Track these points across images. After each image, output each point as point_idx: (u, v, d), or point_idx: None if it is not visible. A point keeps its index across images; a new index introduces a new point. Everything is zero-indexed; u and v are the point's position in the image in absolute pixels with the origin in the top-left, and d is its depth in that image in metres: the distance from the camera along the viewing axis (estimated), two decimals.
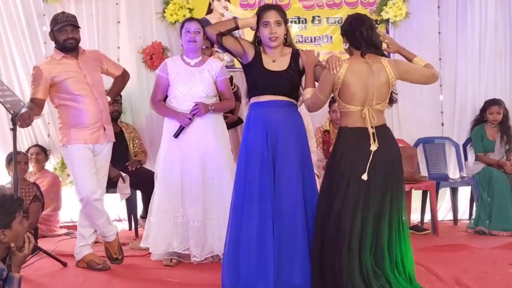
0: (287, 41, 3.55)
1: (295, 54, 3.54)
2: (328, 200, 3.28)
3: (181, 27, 4.35)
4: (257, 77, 3.48)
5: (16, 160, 4.12)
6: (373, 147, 3.21)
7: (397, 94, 3.44)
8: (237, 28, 3.56)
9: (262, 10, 3.50)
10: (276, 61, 3.50)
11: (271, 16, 3.44)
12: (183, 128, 4.19)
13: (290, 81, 3.49)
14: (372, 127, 3.23)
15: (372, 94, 3.24)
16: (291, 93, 3.52)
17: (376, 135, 3.23)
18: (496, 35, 6.04)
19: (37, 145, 5.69)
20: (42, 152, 5.63)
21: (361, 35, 3.30)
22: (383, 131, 3.31)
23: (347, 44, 3.40)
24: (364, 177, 3.19)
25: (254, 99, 3.53)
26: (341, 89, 3.28)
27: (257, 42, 3.54)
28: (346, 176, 3.24)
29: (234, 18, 3.64)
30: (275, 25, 3.44)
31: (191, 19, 4.51)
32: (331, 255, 3.23)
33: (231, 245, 3.45)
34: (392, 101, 3.41)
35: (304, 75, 3.53)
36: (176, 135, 4.19)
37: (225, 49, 3.58)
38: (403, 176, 3.39)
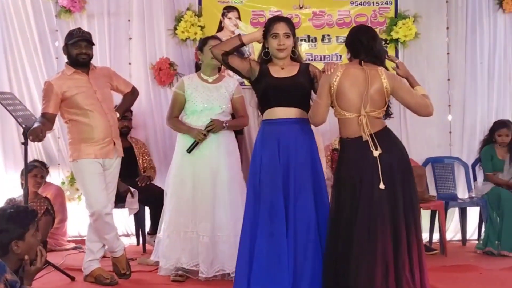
0: (295, 54, 3.58)
1: (304, 66, 3.57)
2: (337, 212, 3.27)
3: (204, 44, 4.32)
4: (267, 86, 3.47)
5: (27, 174, 4.18)
6: (376, 152, 3.18)
7: (390, 107, 3.39)
8: (242, 45, 3.57)
9: (272, 22, 3.52)
10: (285, 69, 3.51)
11: (280, 28, 3.47)
12: (197, 143, 4.21)
13: (301, 87, 3.49)
14: (368, 134, 3.19)
15: (366, 100, 3.22)
16: (303, 102, 3.51)
17: (377, 140, 3.20)
18: (506, 56, 6.05)
19: (36, 162, 5.37)
20: (43, 169, 5.36)
21: (361, 44, 3.34)
22: (384, 135, 3.28)
23: (349, 54, 3.43)
24: (381, 186, 3.14)
25: (266, 115, 3.52)
26: (338, 95, 3.27)
27: (264, 53, 3.55)
28: (356, 186, 3.21)
29: (239, 35, 3.65)
30: (283, 37, 3.47)
31: (215, 37, 4.52)
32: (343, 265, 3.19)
33: (243, 265, 3.42)
34: (388, 113, 3.38)
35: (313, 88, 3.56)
36: (190, 150, 4.21)
37: (232, 69, 3.58)
38: (414, 178, 3.33)
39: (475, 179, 5.83)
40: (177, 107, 4.39)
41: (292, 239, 3.33)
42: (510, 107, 6.06)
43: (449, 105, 5.94)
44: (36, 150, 5.80)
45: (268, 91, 3.48)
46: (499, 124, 5.59)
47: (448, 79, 5.97)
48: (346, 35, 5.72)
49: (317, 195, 3.46)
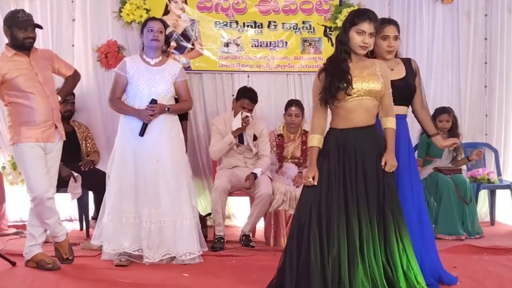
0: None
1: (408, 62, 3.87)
2: None
3: (143, 26, 4.37)
4: None
5: None
6: None
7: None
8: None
9: (382, 23, 3.59)
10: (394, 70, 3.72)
11: (391, 31, 3.63)
12: (147, 124, 4.20)
13: None
14: None
15: None
16: None
17: None
18: (444, 45, 6.26)
19: None
20: None
21: None
22: None
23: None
24: None
25: None
26: None
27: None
28: None
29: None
30: (393, 39, 3.63)
31: (154, 18, 4.55)
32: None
33: None
34: None
35: None
36: (142, 133, 4.21)
37: None
38: None
39: None
40: (119, 88, 4.36)
41: None
42: (447, 96, 6.28)
43: None
44: None
45: None
46: (440, 110, 5.67)
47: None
48: (291, 22, 5.94)
49: None
